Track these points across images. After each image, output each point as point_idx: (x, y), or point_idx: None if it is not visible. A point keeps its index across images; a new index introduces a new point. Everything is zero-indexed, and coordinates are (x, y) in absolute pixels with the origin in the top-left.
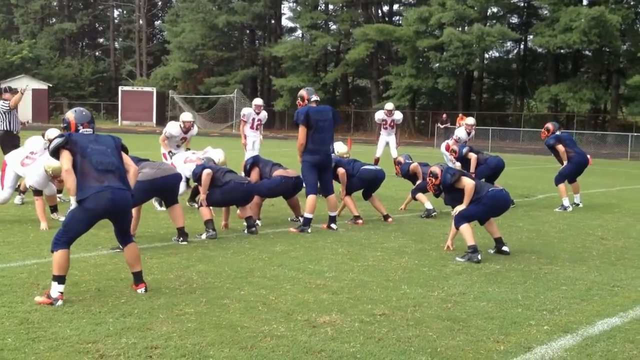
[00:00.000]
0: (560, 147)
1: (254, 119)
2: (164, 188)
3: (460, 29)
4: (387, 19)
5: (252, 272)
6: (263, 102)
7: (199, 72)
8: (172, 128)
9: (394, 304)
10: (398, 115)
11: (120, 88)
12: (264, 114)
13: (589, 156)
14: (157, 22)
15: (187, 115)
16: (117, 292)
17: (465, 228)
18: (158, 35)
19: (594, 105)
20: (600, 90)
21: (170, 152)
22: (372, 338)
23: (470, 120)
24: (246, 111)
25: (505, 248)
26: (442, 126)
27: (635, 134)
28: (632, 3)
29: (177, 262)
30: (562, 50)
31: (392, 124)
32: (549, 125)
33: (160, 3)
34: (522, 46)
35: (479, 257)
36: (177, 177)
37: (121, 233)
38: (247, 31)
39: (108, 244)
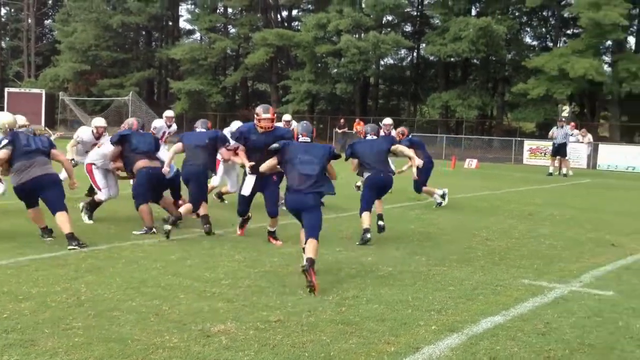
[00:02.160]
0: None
1: (164, 132)
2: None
3: (356, 36)
4: (286, 24)
5: (145, 282)
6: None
7: (91, 74)
8: (84, 133)
9: (290, 310)
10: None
11: (6, 90)
12: (174, 127)
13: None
14: (48, 22)
15: (99, 120)
16: None
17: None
18: (48, 34)
19: (481, 112)
20: (487, 97)
21: (73, 159)
22: (266, 345)
23: (387, 120)
24: (158, 124)
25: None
26: (339, 131)
27: (519, 138)
28: (516, 14)
29: (65, 274)
30: (452, 59)
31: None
32: (404, 129)
33: (50, 2)
34: (415, 54)
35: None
36: (51, 179)
37: None
38: (143, 32)
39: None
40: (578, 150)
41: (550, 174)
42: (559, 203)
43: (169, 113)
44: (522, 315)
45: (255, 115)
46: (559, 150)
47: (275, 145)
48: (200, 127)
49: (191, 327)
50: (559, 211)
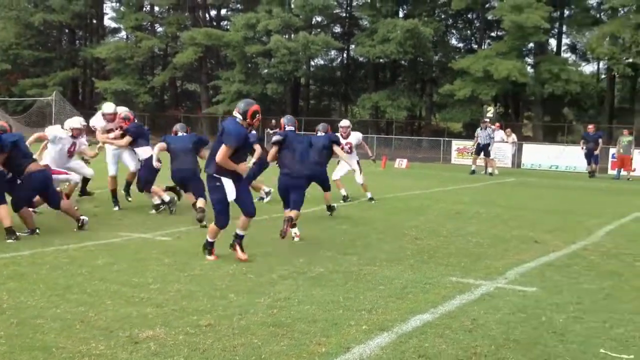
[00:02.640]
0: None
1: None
2: None
3: (286, 36)
4: (215, 23)
5: (70, 288)
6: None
7: (12, 73)
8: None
9: (220, 313)
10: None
11: None
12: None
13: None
14: None
15: (74, 121)
16: None
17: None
18: None
19: (410, 112)
20: (416, 98)
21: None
22: (196, 350)
23: (344, 122)
24: (97, 123)
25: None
26: (271, 131)
27: (447, 138)
28: (442, 17)
29: None
30: (381, 60)
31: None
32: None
33: None
34: (345, 55)
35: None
36: None
37: None
38: (67, 30)
39: None
40: (503, 149)
41: (473, 172)
42: (485, 201)
43: (109, 109)
44: (449, 312)
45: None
46: (483, 150)
47: (277, 137)
48: (180, 131)
49: (118, 334)
50: (485, 209)
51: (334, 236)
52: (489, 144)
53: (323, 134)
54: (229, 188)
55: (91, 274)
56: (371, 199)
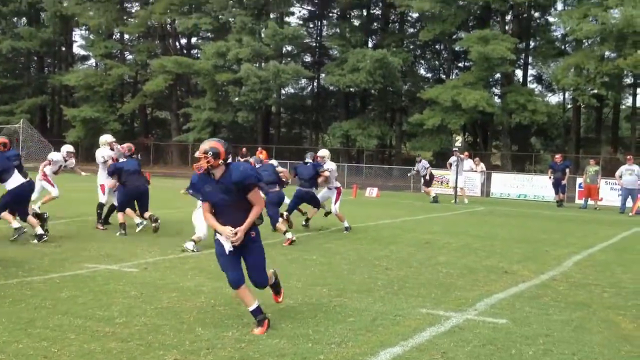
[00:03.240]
0: None
1: (60, 166)
2: None
3: (257, 65)
4: (185, 51)
5: (33, 322)
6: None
7: None
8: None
9: (187, 348)
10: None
11: None
12: (72, 162)
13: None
14: None
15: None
16: None
17: None
18: None
19: (380, 141)
20: (386, 127)
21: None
22: None
23: (322, 152)
24: (55, 157)
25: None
26: (242, 159)
27: None
28: (411, 47)
29: None
30: (351, 89)
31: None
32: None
33: None
34: (315, 83)
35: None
36: None
37: None
38: (35, 58)
39: None
40: (472, 178)
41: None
42: (455, 231)
43: (69, 148)
44: (419, 345)
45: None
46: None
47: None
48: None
49: None
50: (455, 239)
51: (304, 267)
52: (425, 175)
53: (310, 161)
54: (223, 239)
55: (55, 307)
56: (347, 228)
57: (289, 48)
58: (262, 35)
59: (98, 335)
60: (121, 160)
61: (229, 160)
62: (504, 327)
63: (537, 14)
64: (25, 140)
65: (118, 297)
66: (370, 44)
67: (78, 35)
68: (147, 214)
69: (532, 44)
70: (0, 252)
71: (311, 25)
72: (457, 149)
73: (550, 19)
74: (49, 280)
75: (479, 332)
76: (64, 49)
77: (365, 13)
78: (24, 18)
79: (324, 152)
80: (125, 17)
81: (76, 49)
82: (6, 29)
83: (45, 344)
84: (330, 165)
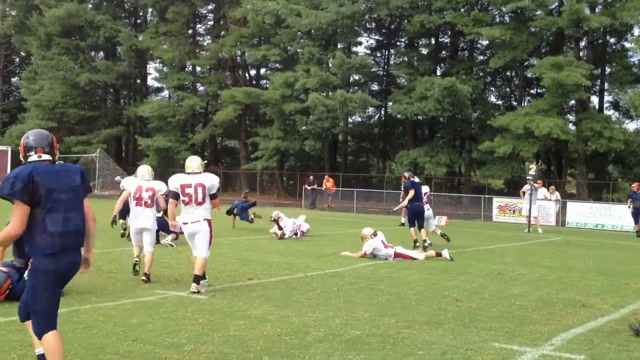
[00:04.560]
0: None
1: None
2: None
3: (324, 94)
4: (254, 82)
5: (104, 348)
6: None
7: (58, 131)
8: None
9: None
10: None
11: None
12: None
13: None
14: (14, 79)
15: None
16: None
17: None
18: (14, 92)
19: (449, 169)
20: (455, 154)
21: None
22: None
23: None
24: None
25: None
26: (309, 187)
27: (487, 195)
28: (481, 74)
29: (21, 340)
30: (419, 117)
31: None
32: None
33: (17, 60)
34: (382, 112)
35: None
36: None
37: None
38: (111, 90)
39: None
40: (546, 207)
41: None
42: (529, 262)
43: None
44: None
45: None
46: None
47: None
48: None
49: None
50: (529, 270)
51: (371, 296)
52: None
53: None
54: None
55: (125, 334)
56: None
57: (356, 77)
58: (330, 65)
59: None
60: None
61: None
62: None
63: (612, 40)
64: (101, 168)
65: (187, 324)
66: (438, 72)
67: (152, 68)
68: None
69: (607, 70)
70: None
71: (378, 54)
72: (530, 177)
73: (627, 45)
74: (120, 306)
75: None
76: (138, 81)
77: (433, 41)
78: (101, 52)
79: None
80: (197, 50)
81: (150, 81)
82: (84, 63)
83: None
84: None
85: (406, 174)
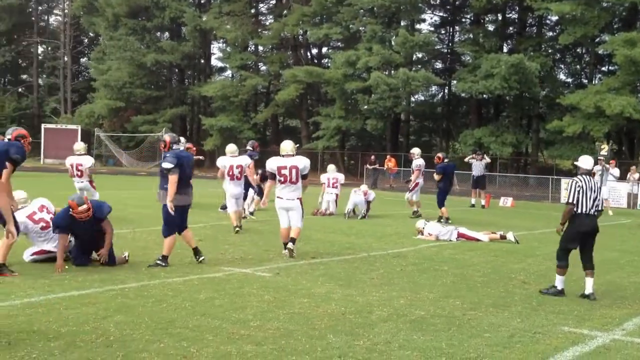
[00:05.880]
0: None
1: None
2: None
3: (386, 72)
4: (316, 61)
5: (174, 322)
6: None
7: (125, 110)
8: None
9: (319, 355)
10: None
11: (43, 125)
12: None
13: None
14: (83, 60)
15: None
16: (28, 346)
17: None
18: (84, 72)
19: (515, 149)
20: (521, 134)
21: None
22: None
23: (414, 150)
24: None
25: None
26: (370, 167)
27: (555, 176)
28: (549, 51)
29: (94, 313)
30: (484, 96)
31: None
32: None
33: (86, 40)
34: (446, 91)
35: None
36: None
37: None
38: (176, 70)
39: (21, 293)
40: (618, 189)
41: (473, 206)
42: (599, 244)
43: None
44: None
45: None
46: (478, 183)
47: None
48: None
49: None
50: (599, 253)
51: (436, 277)
52: (484, 176)
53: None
54: None
55: (194, 308)
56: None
57: (420, 55)
58: (392, 43)
59: (234, 338)
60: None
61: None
62: None
63: None
64: None
65: (252, 301)
66: (505, 49)
67: (216, 48)
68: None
69: None
70: (144, 254)
71: (443, 32)
72: (602, 157)
73: None
74: (188, 281)
75: (627, 353)
76: (202, 61)
77: (500, 17)
78: (167, 33)
79: (415, 150)
80: (259, 30)
81: (214, 61)
82: (150, 43)
83: (185, 344)
84: (418, 163)
85: (440, 155)
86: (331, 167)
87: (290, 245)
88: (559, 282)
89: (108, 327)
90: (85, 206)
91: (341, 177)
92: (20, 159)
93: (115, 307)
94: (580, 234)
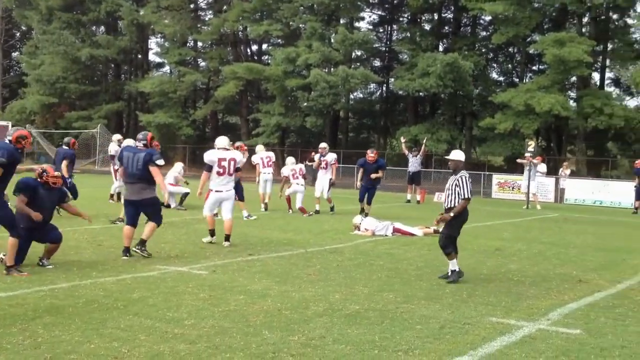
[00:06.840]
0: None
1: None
2: None
3: (326, 70)
4: (256, 57)
5: (105, 322)
6: None
7: (59, 106)
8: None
9: (253, 351)
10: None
11: None
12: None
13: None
14: (15, 54)
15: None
16: None
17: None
18: (15, 67)
19: (450, 145)
20: (456, 131)
21: None
22: None
23: (322, 144)
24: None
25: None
26: (309, 163)
27: (487, 172)
28: (483, 51)
29: (23, 314)
30: (420, 93)
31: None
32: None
33: (18, 34)
34: (384, 88)
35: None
36: None
37: None
38: (112, 65)
39: None
40: (545, 184)
41: (409, 201)
42: (527, 238)
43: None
44: (489, 355)
45: None
46: (413, 179)
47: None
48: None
49: None
50: (527, 246)
51: (371, 272)
52: (419, 172)
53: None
54: None
55: (126, 308)
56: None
57: (359, 53)
58: (332, 40)
59: (167, 337)
60: None
61: None
62: (578, 338)
63: (615, 16)
64: (101, 144)
65: (187, 299)
66: (441, 48)
67: (154, 42)
68: None
69: (610, 46)
70: (75, 253)
71: (381, 30)
72: (530, 153)
73: (630, 21)
74: (121, 281)
75: (551, 342)
76: (140, 56)
77: (436, 17)
78: (102, 27)
79: (323, 144)
80: (199, 25)
81: (151, 57)
82: (85, 37)
83: (116, 345)
84: (331, 157)
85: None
86: (260, 147)
87: (225, 244)
88: (454, 265)
89: (36, 328)
90: (58, 173)
91: (299, 167)
92: (5, 162)
93: (44, 308)
94: (464, 223)
